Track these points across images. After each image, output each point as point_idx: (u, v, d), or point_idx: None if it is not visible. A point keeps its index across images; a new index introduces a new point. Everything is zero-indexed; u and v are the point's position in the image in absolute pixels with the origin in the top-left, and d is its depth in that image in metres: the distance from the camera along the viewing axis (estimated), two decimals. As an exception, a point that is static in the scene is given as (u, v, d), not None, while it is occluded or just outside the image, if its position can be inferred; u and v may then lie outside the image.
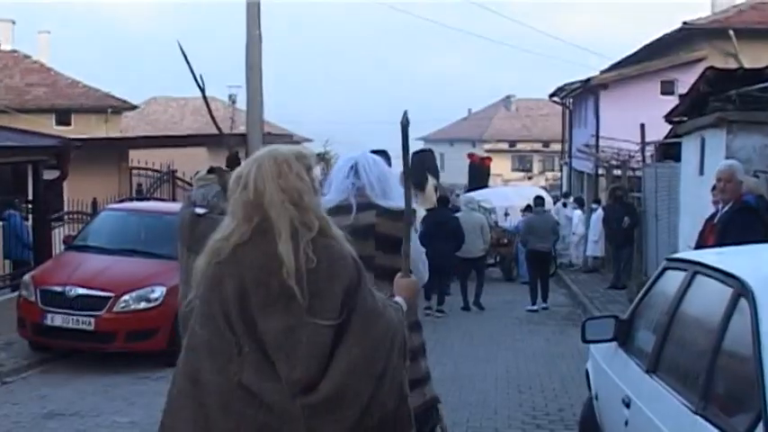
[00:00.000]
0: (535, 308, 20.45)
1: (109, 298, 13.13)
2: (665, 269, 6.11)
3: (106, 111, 42.21)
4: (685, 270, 5.60)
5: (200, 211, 8.73)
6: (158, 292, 13.32)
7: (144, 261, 14.06)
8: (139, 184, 24.19)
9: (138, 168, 25.04)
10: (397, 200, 5.11)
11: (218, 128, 10.79)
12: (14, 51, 44.10)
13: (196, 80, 9.36)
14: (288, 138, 40.89)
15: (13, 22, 45.06)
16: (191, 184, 25.67)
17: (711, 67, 15.12)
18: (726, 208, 9.07)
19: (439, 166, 79.09)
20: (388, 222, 5.02)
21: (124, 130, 47.18)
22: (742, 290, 4.55)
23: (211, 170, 9.10)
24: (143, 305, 13.27)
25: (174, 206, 18.28)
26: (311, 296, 3.62)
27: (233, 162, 8.87)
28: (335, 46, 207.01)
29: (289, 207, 3.70)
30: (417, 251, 5.04)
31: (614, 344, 6.62)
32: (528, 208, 25.33)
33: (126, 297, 13.21)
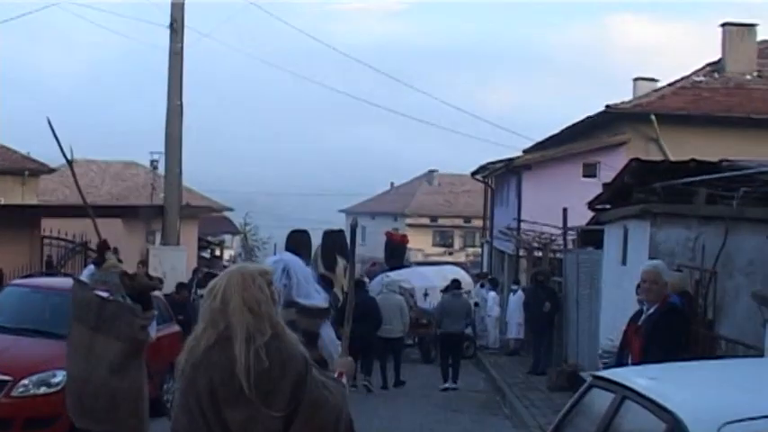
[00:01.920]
0: (446, 386, 20.98)
1: (6, 382, 12.36)
2: (590, 386, 5.75)
3: (23, 173, 41.19)
4: (613, 392, 5.24)
5: (104, 294, 8.93)
6: (60, 375, 12.53)
7: (47, 342, 13.31)
8: (49, 256, 23.36)
9: (50, 238, 24.30)
10: (315, 298, 6.20)
11: (83, 197, 10.28)
12: (-76, 112, 43.00)
13: (64, 154, 9.52)
14: (207, 209, 40.24)
15: None
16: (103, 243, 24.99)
17: (636, 159, 15.00)
18: (651, 310, 8.78)
19: (359, 239, 78.88)
20: (306, 319, 5.90)
21: (42, 193, 46.19)
22: (676, 426, 4.21)
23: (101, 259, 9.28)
24: (43, 390, 12.46)
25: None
26: (265, 391, 4.40)
27: (102, 247, 9.35)
28: (261, 115, 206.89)
29: (247, 315, 4.45)
30: (333, 342, 6.08)
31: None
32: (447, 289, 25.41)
33: (25, 381, 12.41)
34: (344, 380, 5.06)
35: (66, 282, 16.99)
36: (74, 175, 9.83)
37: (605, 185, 17.73)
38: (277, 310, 4.61)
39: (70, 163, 9.22)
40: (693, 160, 14.10)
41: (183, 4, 25.97)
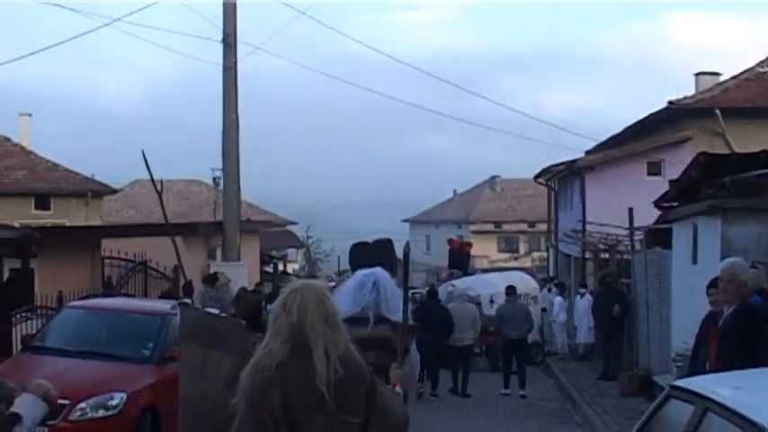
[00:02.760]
0: (508, 392, 20.95)
1: (64, 405, 12.09)
2: (668, 397, 5.29)
3: (86, 195, 41.56)
4: (693, 404, 4.79)
5: (215, 311, 9.40)
6: (117, 398, 12.37)
7: (103, 364, 13.15)
8: (109, 277, 23.24)
9: (111, 258, 24.19)
10: (399, 314, 5.89)
11: (166, 218, 10.12)
12: (-7, 134, 43.41)
13: (154, 184, 9.12)
14: (268, 224, 40.07)
15: (-7, 106, 44.37)
16: (164, 275, 24.96)
17: (704, 153, 14.41)
18: (729, 311, 8.20)
19: (424, 249, 78.29)
20: (399, 336, 5.73)
21: (106, 214, 46.41)
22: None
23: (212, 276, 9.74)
24: (101, 413, 12.20)
25: (140, 304, 17.45)
26: (342, 400, 4.56)
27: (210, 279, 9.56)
28: (320, 129, 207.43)
29: (325, 329, 4.64)
30: (415, 357, 6.15)
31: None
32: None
33: (82, 404, 12.14)
34: (399, 389, 5.33)
35: (122, 302, 16.95)
36: (161, 201, 9.54)
37: (672, 182, 17.15)
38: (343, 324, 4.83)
39: (160, 194, 8.98)
40: (764, 151, 13.47)
41: (234, 16, 25.81)
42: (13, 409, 4.26)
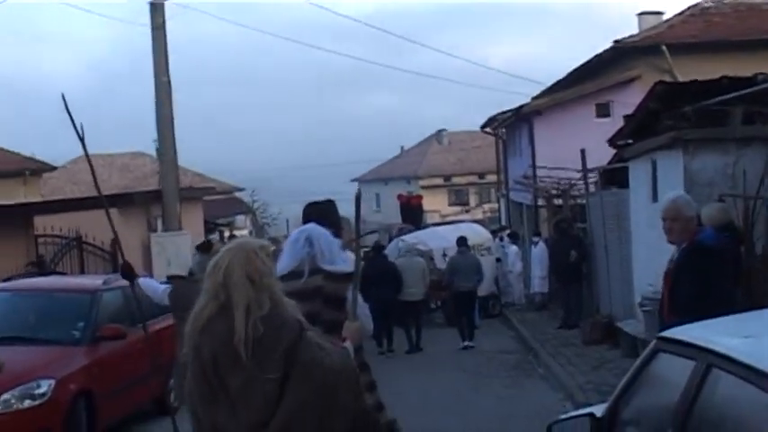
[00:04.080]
0: (465, 344, 20.83)
1: (-15, 398, 11.11)
2: (656, 351, 4.44)
3: (24, 173, 40.30)
4: (692, 358, 3.93)
5: None
6: (45, 386, 11.29)
7: (29, 349, 12.04)
8: (41, 255, 22.04)
9: (45, 236, 23.01)
10: (339, 263, 6.22)
11: (98, 188, 9.34)
12: None
13: (77, 131, 8.80)
14: (211, 190, 38.90)
15: None
16: (102, 249, 23.85)
17: (661, 82, 13.57)
18: (679, 250, 7.44)
19: (374, 206, 77.77)
20: (332, 284, 6.02)
21: (49, 192, 45.22)
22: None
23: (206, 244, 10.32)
24: (27, 403, 11.10)
25: (68, 281, 16.36)
26: (261, 357, 4.62)
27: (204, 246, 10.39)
28: (259, 92, 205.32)
29: (248, 288, 4.70)
30: (361, 307, 5.95)
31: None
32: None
33: (6, 395, 11.01)
34: (349, 344, 5.24)
35: (51, 281, 15.86)
36: (86, 153, 9.08)
37: (627, 117, 16.32)
38: (275, 282, 4.87)
39: (83, 140, 8.66)
40: (725, 77, 12.64)
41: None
42: None
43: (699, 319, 4.80)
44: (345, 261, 6.62)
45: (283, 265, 6.13)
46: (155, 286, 10.79)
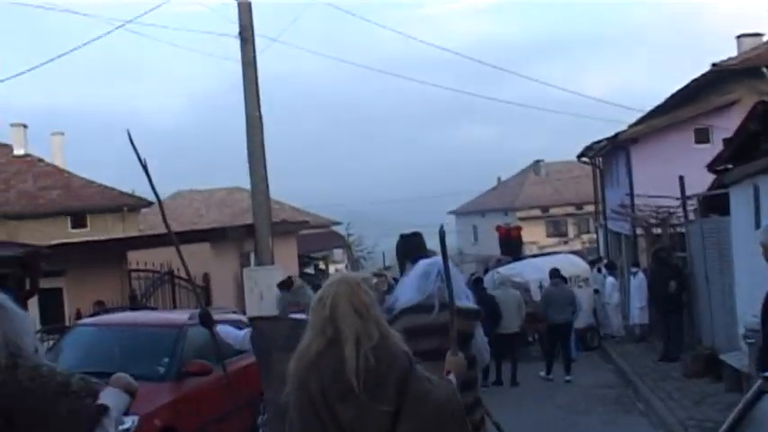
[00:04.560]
0: (550, 377, 20.80)
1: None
2: (762, 392, 4.00)
3: (122, 210, 40.93)
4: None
5: (299, 316, 8.94)
6: (128, 422, 11.14)
7: (114, 385, 11.96)
8: (133, 290, 22.15)
9: (138, 270, 23.12)
10: (464, 300, 6.23)
11: (167, 225, 9.12)
12: (27, 156, 42.94)
13: (143, 166, 8.48)
14: (305, 224, 38.87)
15: (25, 126, 43.77)
16: (193, 283, 23.78)
17: (762, 102, 12.96)
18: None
19: (472, 239, 77.32)
20: (461, 320, 5.76)
21: (148, 228, 45.86)
22: None
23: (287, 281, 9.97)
24: (111, 439, 11.06)
25: (155, 316, 16.25)
26: (373, 388, 4.62)
27: (285, 284, 9.90)
28: (356, 126, 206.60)
29: (355, 320, 4.73)
30: (482, 341, 6.33)
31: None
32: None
33: None
34: (452, 377, 5.23)
35: (137, 316, 15.75)
36: (160, 206, 9.21)
37: (726, 141, 15.71)
38: (381, 313, 4.95)
39: (147, 174, 8.50)
40: (829, 96, 12.06)
41: (250, 9, 24.62)
42: (100, 402, 4.23)
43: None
44: (469, 297, 6.65)
45: (408, 297, 6.29)
46: (234, 333, 10.54)
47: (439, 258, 6.23)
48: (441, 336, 5.72)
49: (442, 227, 5.80)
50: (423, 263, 6.51)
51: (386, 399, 4.65)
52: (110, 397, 4.39)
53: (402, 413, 4.65)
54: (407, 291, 6.34)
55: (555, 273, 22.14)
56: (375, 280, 11.92)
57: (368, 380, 4.67)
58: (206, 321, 9.63)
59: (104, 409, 4.26)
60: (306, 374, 4.81)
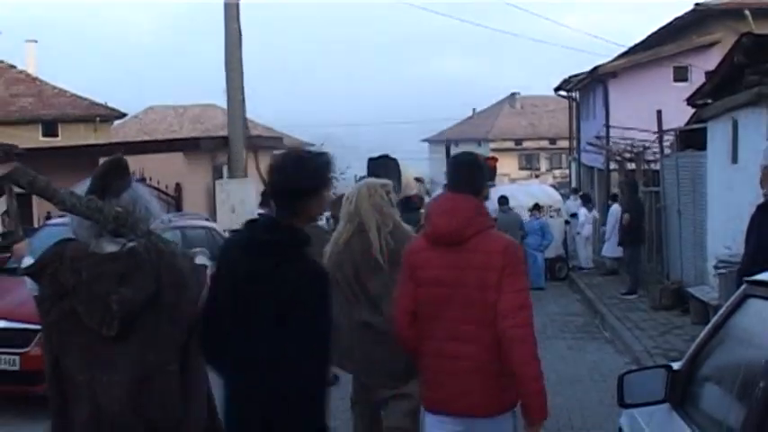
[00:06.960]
0: None
1: (36, 331, 10.81)
2: (746, 296, 3.99)
3: (94, 120, 40.52)
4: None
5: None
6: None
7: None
8: (104, 194, 21.93)
9: (108, 177, 22.88)
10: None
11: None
12: (-1, 62, 42.37)
13: None
14: (278, 140, 38.61)
15: (-2, 33, 43.20)
16: (166, 193, 23.71)
17: (749, 33, 12.89)
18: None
19: (446, 166, 77.85)
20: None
21: (120, 140, 45.62)
22: None
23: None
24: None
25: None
26: (393, 264, 5.94)
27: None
28: (331, 47, 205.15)
29: (375, 213, 6.32)
30: None
31: (665, 406, 4.49)
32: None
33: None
34: None
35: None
36: None
37: (709, 74, 15.64)
38: (394, 211, 6.42)
39: None
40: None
41: None
42: (198, 262, 4.81)
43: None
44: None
45: None
46: None
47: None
48: None
49: (448, 140, 6.36)
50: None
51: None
52: (202, 258, 4.96)
53: None
54: None
55: (503, 200, 22.93)
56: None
57: (390, 257, 6.11)
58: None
59: (205, 267, 4.91)
60: (340, 257, 6.29)
